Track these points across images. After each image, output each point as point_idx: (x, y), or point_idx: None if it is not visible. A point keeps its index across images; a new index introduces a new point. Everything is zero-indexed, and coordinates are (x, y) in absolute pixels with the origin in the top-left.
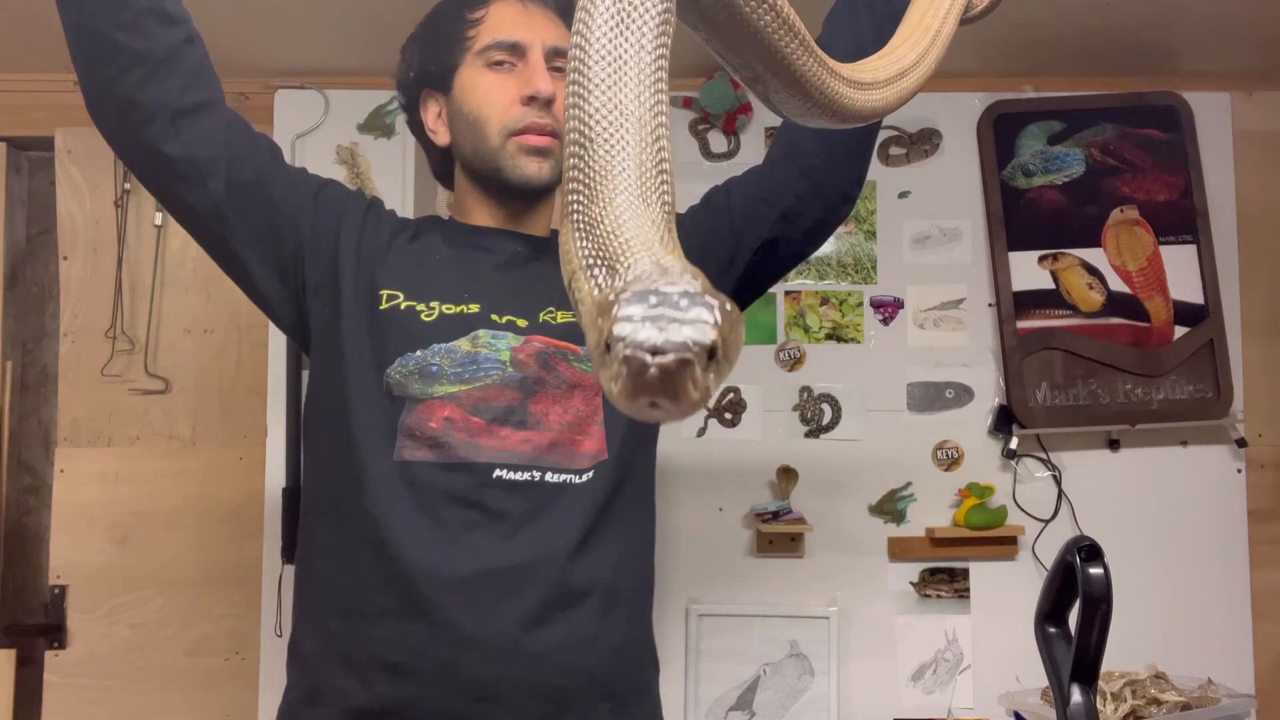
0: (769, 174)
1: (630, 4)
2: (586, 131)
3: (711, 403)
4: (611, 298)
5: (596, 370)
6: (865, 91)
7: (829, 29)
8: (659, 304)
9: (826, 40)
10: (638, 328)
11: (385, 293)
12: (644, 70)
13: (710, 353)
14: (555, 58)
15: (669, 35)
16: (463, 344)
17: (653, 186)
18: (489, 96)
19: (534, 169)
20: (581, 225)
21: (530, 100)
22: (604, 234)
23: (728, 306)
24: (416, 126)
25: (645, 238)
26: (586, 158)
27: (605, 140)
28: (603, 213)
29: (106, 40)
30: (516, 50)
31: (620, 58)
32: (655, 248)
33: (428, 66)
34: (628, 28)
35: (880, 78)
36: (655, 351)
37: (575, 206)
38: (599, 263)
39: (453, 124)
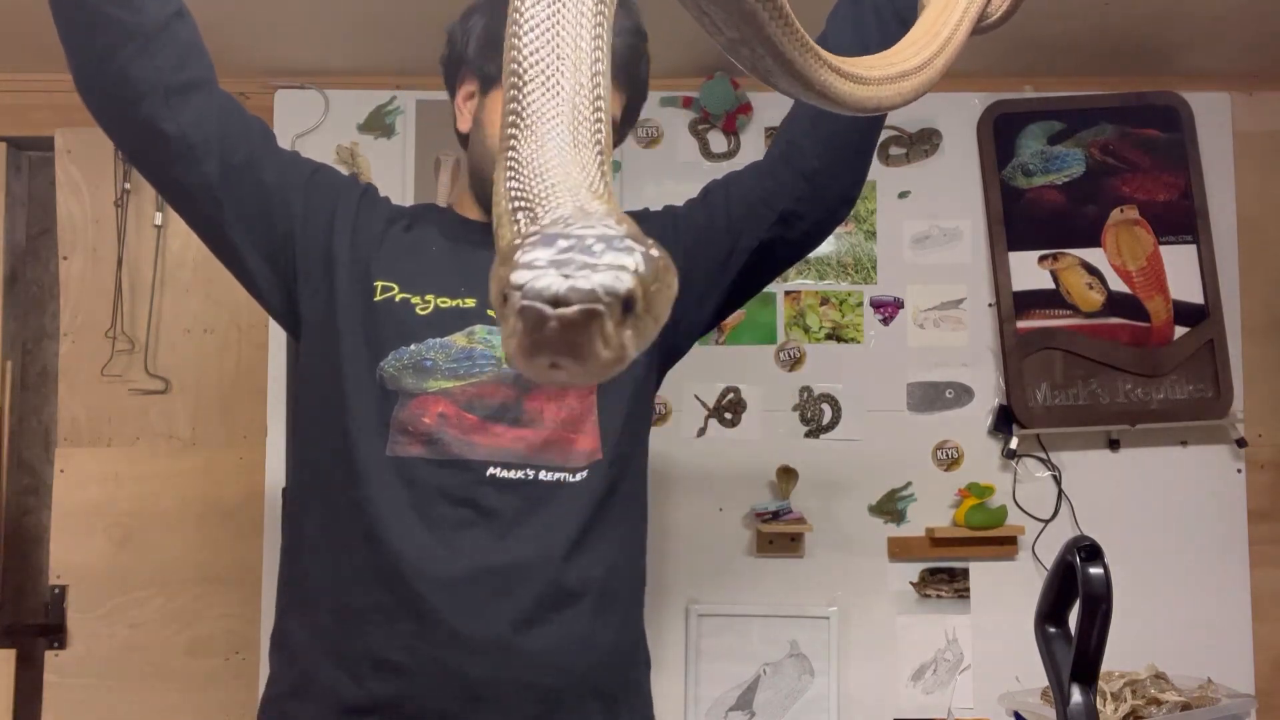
0: (769, 175)
1: None
2: (521, 73)
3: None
4: (517, 242)
5: (502, 329)
6: (856, 84)
7: (833, 28)
8: (569, 248)
9: (830, 39)
10: (539, 274)
11: (380, 284)
12: (583, 12)
13: (627, 304)
14: None
15: None
16: (458, 339)
17: (587, 130)
18: None
19: None
20: (511, 165)
21: None
22: (530, 174)
23: (654, 253)
24: (450, 90)
25: (571, 180)
26: (522, 98)
27: (541, 84)
28: (534, 153)
29: (96, 14)
30: None
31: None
32: (581, 191)
33: (473, 58)
34: None
35: (874, 75)
36: (557, 302)
37: (510, 144)
38: (522, 206)
39: (473, 124)
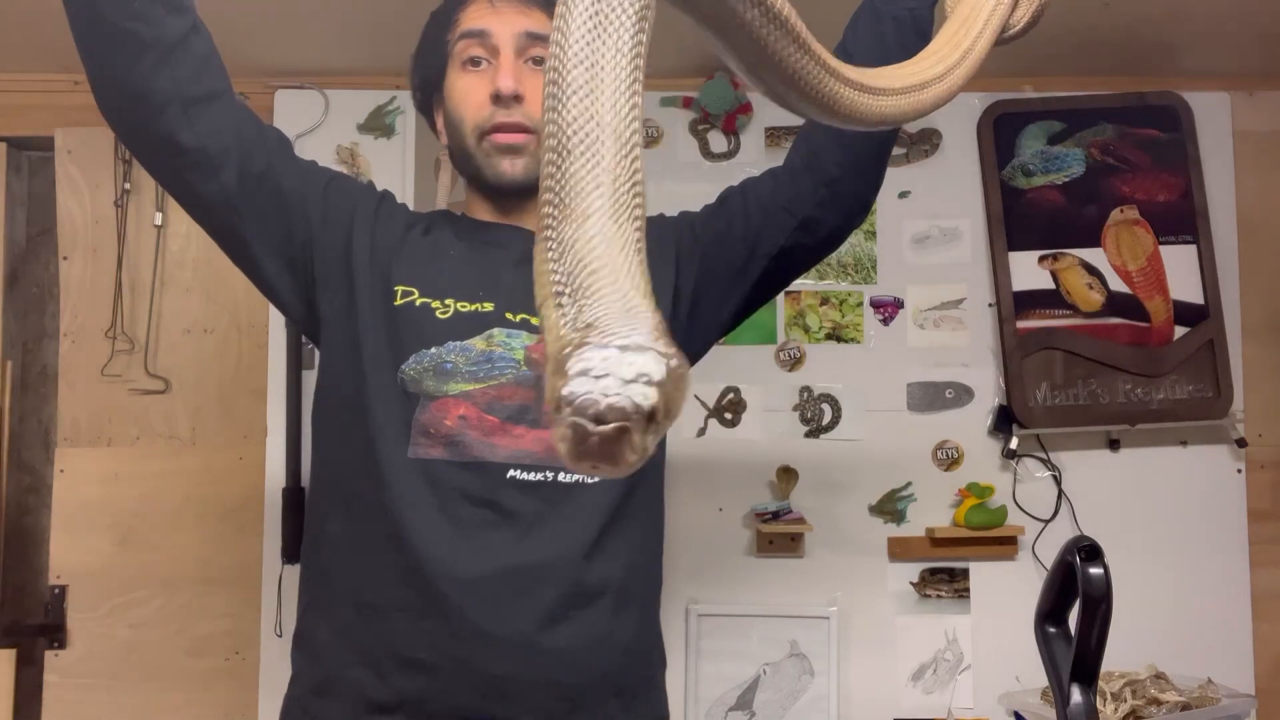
0: (789, 182)
1: (607, 4)
2: (564, 141)
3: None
4: (567, 352)
5: (550, 423)
6: (875, 97)
7: (851, 38)
8: (605, 369)
9: (850, 48)
10: (584, 396)
11: (400, 288)
12: (620, 76)
13: (650, 416)
14: (533, 45)
15: (646, 34)
16: (477, 342)
17: (625, 204)
18: (464, 97)
19: (506, 166)
20: (554, 246)
21: (496, 98)
22: (574, 260)
23: (674, 363)
24: (431, 126)
25: (614, 269)
26: (562, 169)
27: (581, 153)
28: (575, 234)
29: (114, 28)
30: (485, 42)
31: (597, 63)
32: (622, 281)
33: (425, 75)
34: (604, 30)
35: (895, 86)
36: (598, 420)
37: (548, 223)
38: (566, 292)
39: (446, 126)
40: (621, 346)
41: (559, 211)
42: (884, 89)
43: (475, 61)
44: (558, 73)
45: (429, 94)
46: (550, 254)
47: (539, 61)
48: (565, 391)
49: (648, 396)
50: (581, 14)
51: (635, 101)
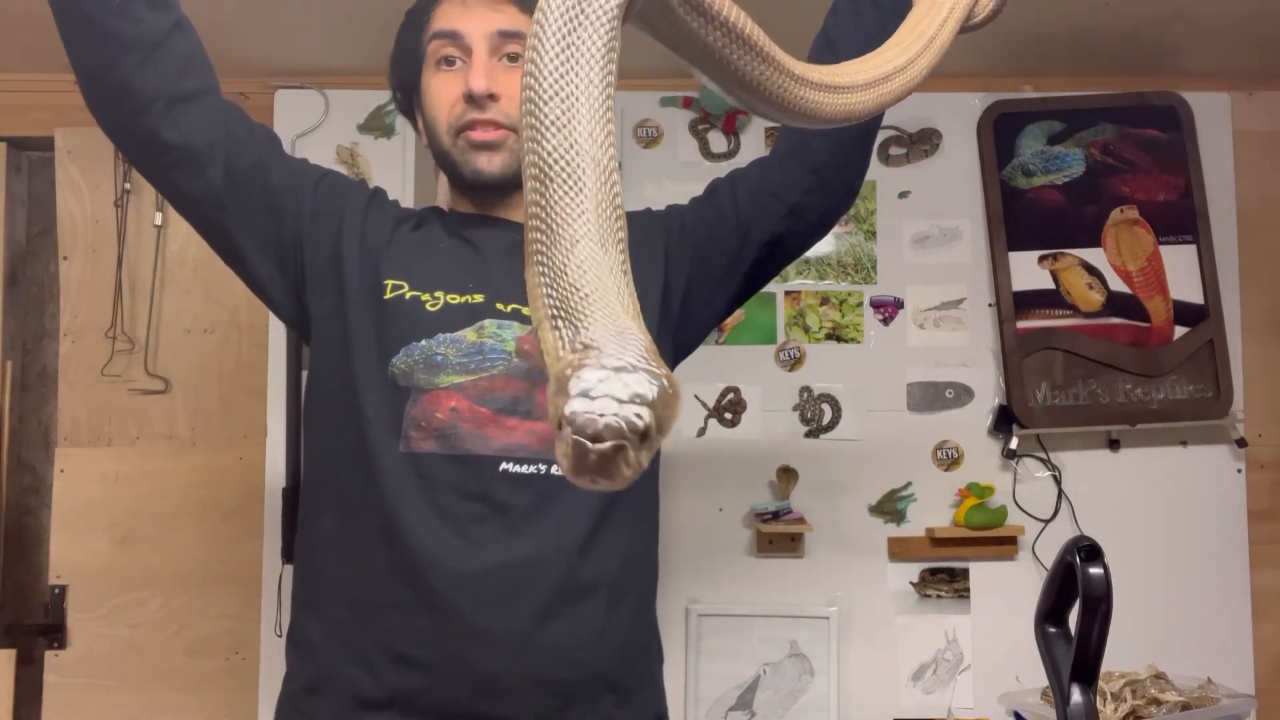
0: (776, 169)
1: (577, 38)
2: (546, 170)
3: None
4: (568, 373)
5: (557, 445)
6: (839, 95)
7: (833, 24)
8: (602, 390)
9: (830, 32)
10: (583, 417)
11: (390, 282)
12: (594, 107)
13: (644, 434)
14: (506, 42)
15: (614, 64)
16: (468, 334)
17: (610, 229)
18: (437, 98)
19: (484, 163)
20: (546, 272)
21: (469, 98)
22: (567, 286)
23: (665, 383)
24: (415, 128)
25: (605, 293)
26: (547, 197)
27: (563, 181)
28: (565, 260)
29: (97, 26)
30: (458, 42)
31: (571, 94)
32: (613, 304)
33: (402, 78)
34: (576, 63)
35: (858, 81)
36: (596, 439)
37: (538, 248)
38: (561, 315)
39: (424, 127)
40: (616, 368)
41: (547, 238)
42: (848, 86)
43: (449, 61)
44: (535, 105)
45: (408, 96)
46: (543, 279)
47: (514, 59)
48: (567, 412)
49: (641, 416)
50: (552, 48)
51: (610, 129)
